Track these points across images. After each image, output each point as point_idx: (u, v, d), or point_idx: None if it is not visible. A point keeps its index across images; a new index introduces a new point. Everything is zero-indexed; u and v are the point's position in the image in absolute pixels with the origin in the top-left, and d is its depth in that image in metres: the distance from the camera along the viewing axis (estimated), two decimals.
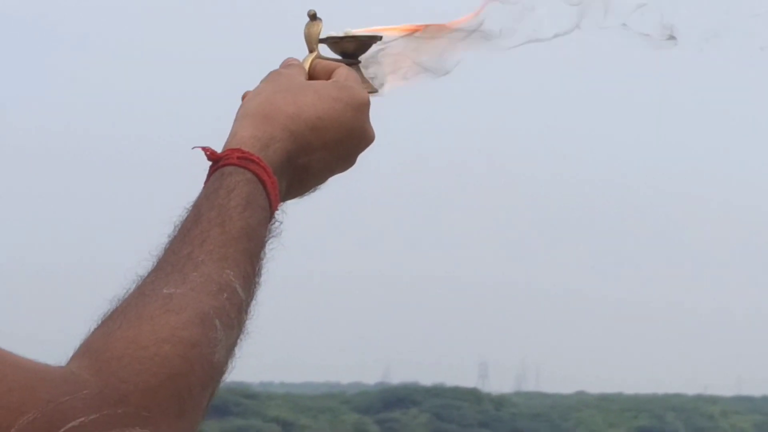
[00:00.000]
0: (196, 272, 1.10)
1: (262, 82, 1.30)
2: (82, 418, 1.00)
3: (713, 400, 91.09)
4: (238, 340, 1.13)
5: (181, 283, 1.09)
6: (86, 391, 1.01)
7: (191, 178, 1.23)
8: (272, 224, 1.19)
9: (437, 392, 75.01)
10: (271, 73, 1.30)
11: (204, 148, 1.21)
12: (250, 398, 67.04)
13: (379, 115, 1.39)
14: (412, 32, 1.39)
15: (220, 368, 1.09)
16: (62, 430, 1.00)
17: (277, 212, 1.20)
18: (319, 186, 1.31)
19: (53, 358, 1.06)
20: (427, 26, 1.41)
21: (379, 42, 1.35)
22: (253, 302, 1.15)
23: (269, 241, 1.19)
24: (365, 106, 1.29)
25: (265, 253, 1.18)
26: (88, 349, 1.05)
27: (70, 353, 1.06)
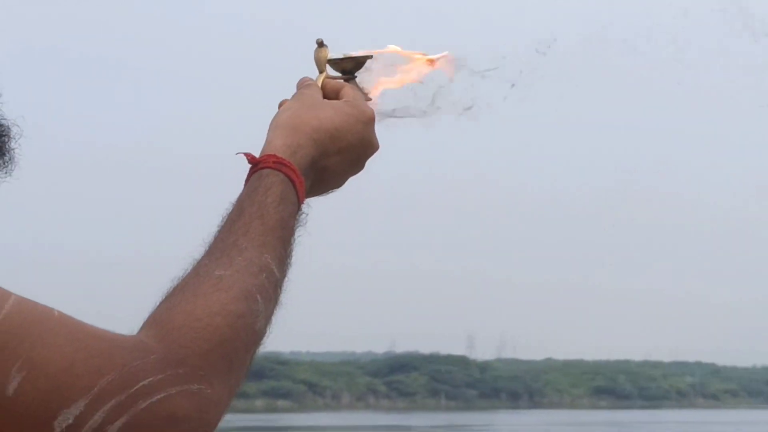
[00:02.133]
0: (241, 257, 1.10)
1: (290, 99, 1.30)
2: (151, 378, 0.99)
3: (655, 365, 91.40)
4: (275, 311, 1.13)
5: (228, 266, 1.09)
6: (153, 356, 1.01)
7: (226, 187, 1.26)
8: (300, 216, 1.20)
9: (433, 359, 75.34)
10: (296, 93, 1.30)
11: (246, 154, 1.22)
12: (281, 364, 67.20)
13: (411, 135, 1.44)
14: (397, 53, 1.39)
15: (261, 335, 1.10)
16: (134, 388, 0.99)
17: (303, 206, 1.21)
18: (336, 187, 1.30)
19: (125, 330, 1.08)
20: (407, 53, 1.39)
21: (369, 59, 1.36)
22: (286, 279, 1.15)
23: (298, 230, 1.19)
24: (372, 120, 1.30)
25: (294, 239, 1.18)
26: (154, 321, 1.05)
27: (138, 327, 1.08)
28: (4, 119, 1.18)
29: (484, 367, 77.46)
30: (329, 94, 1.29)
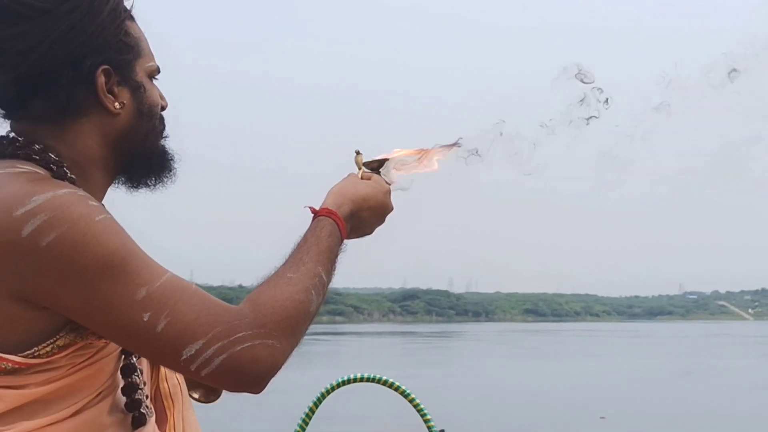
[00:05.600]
0: (304, 267, 1.09)
1: (344, 179, 1.27)
2: (244, 332, 1.01)
3: (561, 296, 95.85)
4: (323, 301, 1.11)
5: (296, 271, 1.08)
6: (247, 319, 1.02)
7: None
8: (341, 247, 1.16)
9: (428, 292, 79.20)
10: (348, 176, 1.27)
11: (311, 207, 1.20)
12: (338, 294, 69.35)
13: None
14: (410, 154, 1.34)
15: (313, 315, 1.09)
16: (233, 337, 1.00)
17: (344, 242, 1.18)
18: (367, 234, 1.27)
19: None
20: (418, 151, 1.33)
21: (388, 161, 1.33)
22: (330, 283, 1.12)
23: (340, 255, 1.15)
24: (389, 193, 1.27)
25: (338, 260, 1.15)
26: (249, 299, 1.05)
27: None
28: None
29: (458, 297, 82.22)
30: (365, 180, 1.28)
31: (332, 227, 1.15)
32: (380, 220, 1.26)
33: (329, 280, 1.11)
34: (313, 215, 1.17)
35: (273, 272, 1.08)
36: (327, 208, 1.17)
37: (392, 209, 1.27)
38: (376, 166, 1.30)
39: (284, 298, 1.04)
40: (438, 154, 1.32)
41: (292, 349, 1.04)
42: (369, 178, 1.27)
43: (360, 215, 1.22)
